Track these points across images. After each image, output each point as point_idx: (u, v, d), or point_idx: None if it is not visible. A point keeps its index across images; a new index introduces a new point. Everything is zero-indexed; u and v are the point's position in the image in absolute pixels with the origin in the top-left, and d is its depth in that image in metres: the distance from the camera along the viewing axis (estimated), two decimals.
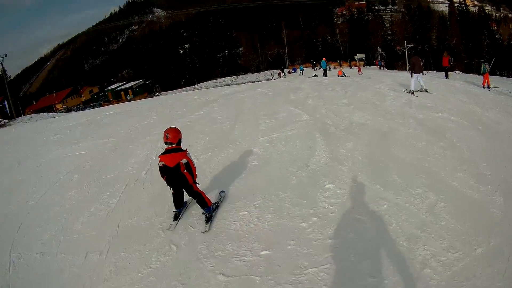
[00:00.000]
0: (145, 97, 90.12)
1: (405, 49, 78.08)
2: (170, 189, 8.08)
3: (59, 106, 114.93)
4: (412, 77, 20.79)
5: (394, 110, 16.56)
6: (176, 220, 8.11)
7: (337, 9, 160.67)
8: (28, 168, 14.26)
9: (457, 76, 44.32)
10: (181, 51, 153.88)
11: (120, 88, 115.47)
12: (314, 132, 13.52)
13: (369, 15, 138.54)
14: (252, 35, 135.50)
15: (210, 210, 7.92)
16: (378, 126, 13.91)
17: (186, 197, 8.38)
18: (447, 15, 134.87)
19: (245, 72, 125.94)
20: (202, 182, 9.26)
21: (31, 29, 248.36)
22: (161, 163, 7.63)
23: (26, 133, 25.33)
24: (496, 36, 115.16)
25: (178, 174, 7.61)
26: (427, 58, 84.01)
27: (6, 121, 56.63)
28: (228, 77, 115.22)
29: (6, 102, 78.94)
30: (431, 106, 17.13)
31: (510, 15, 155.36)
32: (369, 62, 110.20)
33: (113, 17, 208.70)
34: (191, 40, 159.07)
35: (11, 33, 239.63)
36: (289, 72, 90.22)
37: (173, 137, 7.62)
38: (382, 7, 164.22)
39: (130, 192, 10.23)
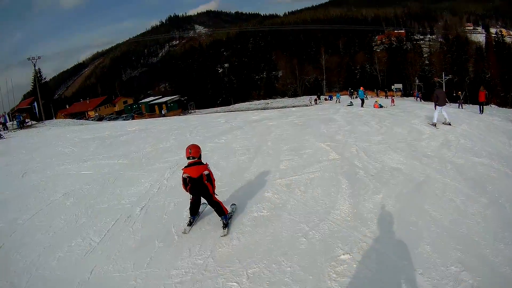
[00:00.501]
0: (179, 113, 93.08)
1: (442, 80, 75.57)
2: (190, 198, 8.66)
3: (91, 113, 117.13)
4: (435, 109, 21.06)
5: (431, 152, 15.01)
6: (190, 225, 8.75)
7: (376, 37, 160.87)
8: (30, 181, 14.01)
9: (493, 110, 43.82)
10: (220, 70, 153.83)
11: (154, 102, 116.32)
12: (339, 177, 11.76)
13: (407, 44, 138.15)
14: (291, 59, 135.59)
15: (226, 218, 8.53)
16: (413, 173, 12.17)
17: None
18: (483, 46, 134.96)
19: (282, 96, 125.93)
20: None
21: (71, 33, 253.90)
22: (185, 175, 8.20)
23: (46, 140, 26.46)
24: None
25: (201, 184, 8.18)
26: (464, 90, 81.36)
27: (34, 122, 57.27)
28: (264, 100, 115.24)
29: (35, 104, 79.18)
30: (470, 148, 15.71)
31: None
32: (406, 93, 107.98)
33: (154, 30, 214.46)
34: (230, 60, 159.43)
35: (51, 35, 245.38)
36: (325, 99, 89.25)
37: (195, 152, 8.34)
38: (420, 37, 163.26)
39: (117, 231, 9.13)
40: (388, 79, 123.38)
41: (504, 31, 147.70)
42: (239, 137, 19.97)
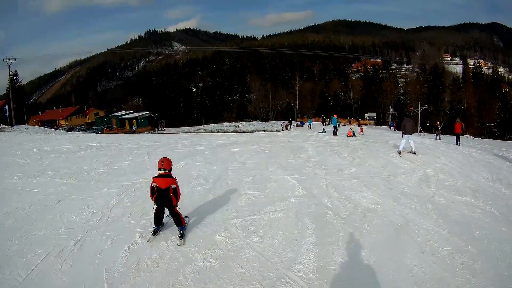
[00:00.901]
0: (149, 130, 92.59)
1: (418, 110, 74.40)
2: (153, 208, 9.03)
3: (62, 122, 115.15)
4: (403, 137, 21.49)
5: (409, 190, 13.63)
6: (154, 235, 9.07)
7: (352, 65, 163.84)
8: None
9: (470, 141, 43.55)
10: (194, 89, 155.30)
11: (125, 116, 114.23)
12: (305, 219, 10.33)
13: (383, 73, 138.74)
14: (265, 83, 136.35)
15: (183, 228, 9.08)
16: (390, 216, 10.83)
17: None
18: (460, 76, 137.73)
19: (254, 119, 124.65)
20: None
21: (51, 38, 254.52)
22: (154, 184, 8.62)
23: (7, 147, 25.92)
24: (509, 99, 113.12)
25: (167, 196, 8.61)
26: (441, 121, 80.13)
27: (3, 126, 55.27)
28: (235, 123, 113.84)
29: (7, 107, 77.50)
30: (452, 185, 14.51)
31: None
32: (379, 122, 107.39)
33: (133, 43, 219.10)
34: (204, 80, 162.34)
35: (31, 38, 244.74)
36: (297, 125, 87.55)
37: (167, 164, 8.92)
38: (397, 66, 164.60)
39: (46, 267, 7.80)
40: (362, 107, 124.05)
41: (482, 62, 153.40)
42: (199, 163, 18.44)
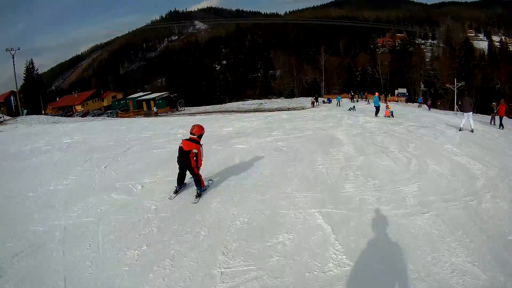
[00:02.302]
0: (167, 111, 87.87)
1: (454, 87, 68.16)
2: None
3: (78, 107, 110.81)
4: (463, 116, 21.20)
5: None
6: (175, 193, 9.99)
7: (377, 39, 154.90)
8: None
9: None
10: (218, 67, 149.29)
11: (142, 98, 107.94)
12: None
13: (412, 47, 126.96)
14: (290, 58, 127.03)
15: (201, 189, 9.80)
16: None
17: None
18: (486, 52, 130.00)
19: (278, 96, 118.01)
20: None
21: (72, 25, 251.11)
22: (180, 145, 9.62)
23: None
24: None
25: (187, 157, 9.46)
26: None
27: (6, 117, 54.63)
28: (259, 100, 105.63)
29: (12, 98, 73.91)
30: None
31: None
32: (409, 99, 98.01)
33: (153, 24, 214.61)
34: (228, 57, 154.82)
35: (51, 25, 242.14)
36: (323, 102, 79.05)
37: (197, 131, 9.80)
38: (422, 41, 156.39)
39: None
40: (390, 82, 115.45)
41: (506, 39, 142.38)
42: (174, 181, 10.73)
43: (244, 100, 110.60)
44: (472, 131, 20.11)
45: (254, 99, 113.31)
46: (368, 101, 68.58)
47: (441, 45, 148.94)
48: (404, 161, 13.10)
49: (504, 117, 26.65)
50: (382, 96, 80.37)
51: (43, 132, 29.34)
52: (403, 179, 11.01)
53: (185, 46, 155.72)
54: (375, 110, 33.89)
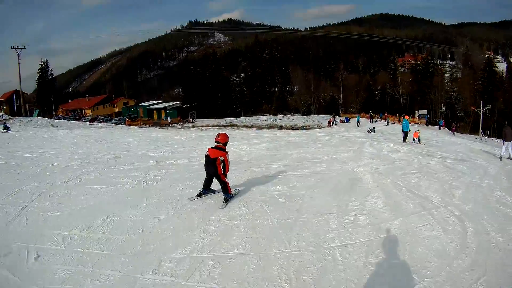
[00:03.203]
0: (177, 121, 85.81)
1: (480, 110, 64.26)
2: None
3: (88, 111, 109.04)
4: (503, 144, 21.87)
5: None
6: (198, 196, 10.50)
7: (397, 59, 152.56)
8: None
9: None
10: (236, 80, 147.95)
11: (153, 106, 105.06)
12: None
13: (433, 67, 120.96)
14: (308, 74, 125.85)
15: (228, 195, 10.07)
16: None
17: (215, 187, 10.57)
18: (504, 74, 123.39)
19: (295, 112, 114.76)
20: None
21: (92, 28, 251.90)
22: (207, 153, 9.99)
23: None
24: None
25: (213, 165, 9.78)
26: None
27: (7, 117, 55.49)
28: (274, 116, 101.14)
29: (15, 97, 71.74)
30: None
31: None
32: (430, 121, 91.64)
33: (174, 34, 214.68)
34: (246, 70, 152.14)
35: (72, 28, 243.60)
36: (340, 121, 74.57)
37: (222, 139, 10.11)
38: (440, 62, 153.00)
39: None
40: (411, 103, 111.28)
41: None
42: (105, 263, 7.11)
43: (259, 115, 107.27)
44: (511, 158, 21.07)
45: (270, 114, 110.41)
46: (387, 122, 65.44)
47: (460, 66, 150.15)
48: (457, 228, 8.91)
49: None
50: (394, 117, 76.16)
51: (19, 139, 28.04)
52: (461, 268, 6.88)
53: (203, 57, 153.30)
54: (403, 135, 29.89)
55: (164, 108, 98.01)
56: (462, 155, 22.47)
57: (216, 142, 10.04)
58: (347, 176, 14.14)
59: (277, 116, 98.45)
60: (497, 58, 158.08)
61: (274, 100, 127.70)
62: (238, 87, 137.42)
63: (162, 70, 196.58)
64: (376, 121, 70.24)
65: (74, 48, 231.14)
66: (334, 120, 68.92)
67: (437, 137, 41.29)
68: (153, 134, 34.09)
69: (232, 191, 10.39)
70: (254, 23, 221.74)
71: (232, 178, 12.71)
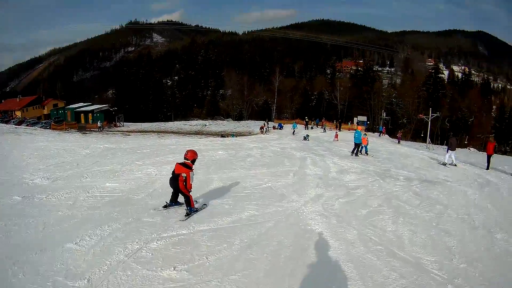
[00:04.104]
0: (104, 126, 75.79)
1: (429, 118, 59.80)
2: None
3: (18, 113, 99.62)
4: (447, 152, 23.14)
5: None
6: (164, 207, 10.24)
7: (335, 64, 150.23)
8: None
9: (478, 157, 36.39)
10: (169, 83, 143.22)
11: (81, 109, 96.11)
12: None
13: (373, 73, 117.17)
14: (242, 77, 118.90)
15: (191, 210, 9.88)
16: None
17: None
18: (446, 82, 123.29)
19: (226, 117, 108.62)
20: None
21: (34, 26, 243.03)
22: (174, 168, 9.89)
23: None
24: (505, 110, 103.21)
25: (176, 180, 9.66)
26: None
27: None
28: (203, 121, 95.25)
29: None
30: None
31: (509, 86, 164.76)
32: (369, 128, 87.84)
33: (113, 33, 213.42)
34: (180, 73, 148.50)
35: (14, 24, 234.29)
36: (273, 128, 67.65)
37: (190, 156, 9.99)
38: (379, 68, 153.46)
39: None
40: (349, 109, 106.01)
41: (466, 69, 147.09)
42: None
43: (189, 120, 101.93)
44: (455, 165, 22.52)
45: (200, 118, 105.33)
46: (324, 129, 61.58)
47: (399, 72, 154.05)
48: None
49: (492, 156, 23.76)
50: (331, 124, 71.90)
51: None
52: None
53: (137, 58, 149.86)
54: (353, 147, 25.35)
55: (92, 111, 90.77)
56: (424, 172, 19.26)
57: (185, 158, 9.99)
58: (291, 231, 9.06)
59: (207, 121, 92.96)
60: (438, 66, 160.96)
61: (206, 104, 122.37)
62: (170, 90, 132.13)
63: (98, 71, 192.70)
64: (312, 128, 67.06)
65: (16, 45, 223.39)
66: (267, 126, 64.00)
67: (381, 146, 37.52)
68: (56, 145, 27.24)
69: (197, 205, 10.41)
70: (193, 25, 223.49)
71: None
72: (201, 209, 10.27)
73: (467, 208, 12.03)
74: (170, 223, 9.41)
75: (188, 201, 9.73)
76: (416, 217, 10.64)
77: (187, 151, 10.01)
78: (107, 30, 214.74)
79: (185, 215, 9.60)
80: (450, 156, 22.82)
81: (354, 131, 27.48)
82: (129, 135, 53.07)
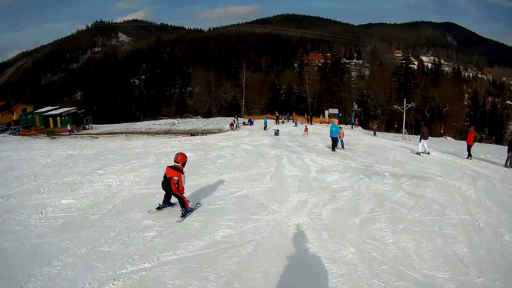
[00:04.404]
0: (72, 129, 70.82)
1: (403, 108, 58.91)
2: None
3: None
4: (420, 142, 23.79)
5: None
6: (158, 209, 10.13)
7: (304, 56, 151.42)
8: None
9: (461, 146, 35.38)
10: (137, 82, 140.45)
11: (49, 113, 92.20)
12: None
13: (343, 65, 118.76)
14: (209, 74, 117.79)
15: (186, 210, 9.79)
16: None
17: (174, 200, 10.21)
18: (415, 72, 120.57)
19: (195, 115, 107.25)
20: None
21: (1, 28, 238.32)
22: (165, 171, 9.80)
23: None
24: (478, 98, 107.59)
25: (168, 183, 9.56)
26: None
27: None
28: (172, 120, 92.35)
29: None
30: None
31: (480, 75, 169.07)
32: (342, 120, 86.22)
33: (79, 34, 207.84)
34: (147, 72, 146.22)
35: None
36: (244, 124, 65.51)
37: (181, 159, 9.82)
38: (347, 60, 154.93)
39: None
40: (319, 102, 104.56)
41: (436, 59, 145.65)
42: None
43: (158, 119, 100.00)
44: (428, 153, 23.11)
45: (169, 117, 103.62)
46: (296, 123, 60.37)
47: (367, 65, 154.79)
48: None
49: (472, 146, 23.45)
50: (302, 117, 71.56)
51: None
52: None
53: (103, 58, 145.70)
54: (331, 142, 24.29)
55: (60, 115, 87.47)
56: (409, 166, 18.01)
57: (175, 161, 9.78)
58: (277, 254, 7.34)
59: (175, 120, 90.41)
60: (408, 56, 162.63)
61: (174, 103, 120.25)
62: (138, 90, 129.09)
63: (66, 73, 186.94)
64: (283, 122, 66.49)
65: None
66: (237, 122, 60.62)
67: (357, 138, 37.44)
68: (19, 154, 24.63)
69: (191, 205, 10.26)
70: (158, 23, 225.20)
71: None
72: (195, 208, 10.27)
73: (466, 206, 10.89)
74: (130, 252, 7.42)
75: (182, 202, 9.74)
76: (415, 222, 9.37)
77: (177, 154, 9.99)
78: (73, 31, 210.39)
79: (181, 216, 9.62)
80: (423, 145, 23.48)
81: (331, 124, 25.51)
82: (97, 137, 50.41)
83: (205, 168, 16.46)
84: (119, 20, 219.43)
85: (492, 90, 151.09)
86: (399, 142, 35.48)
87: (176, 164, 9.69)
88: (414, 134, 61.34)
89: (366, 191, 12.32)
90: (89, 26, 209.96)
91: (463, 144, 33.66)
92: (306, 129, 43.14)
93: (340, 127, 25.34)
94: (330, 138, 24.29)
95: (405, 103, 56.95)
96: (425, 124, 45.73)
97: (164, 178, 9.68)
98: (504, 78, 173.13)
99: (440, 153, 24.09)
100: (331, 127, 24.30)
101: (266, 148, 24.53)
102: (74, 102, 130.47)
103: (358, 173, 15.37)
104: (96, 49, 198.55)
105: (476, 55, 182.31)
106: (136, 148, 25.96)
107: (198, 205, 10.61)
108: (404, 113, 57.41)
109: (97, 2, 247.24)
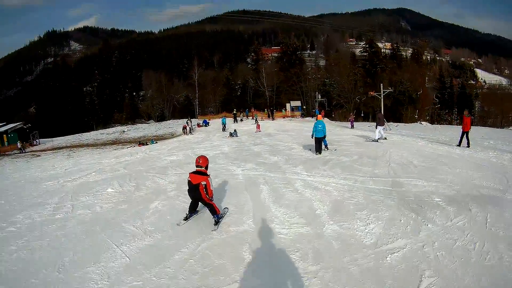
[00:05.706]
0: (16, 148, 63.59)
1: (380, 94, 54.16)
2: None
3: None
4: (376, 128, 23.49)
5: None
6: (185, 220, 9.38)
7: (259, 48, 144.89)
8: None
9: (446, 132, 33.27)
10: (90, 89, 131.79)
11: None
12: None
13: (302, 55, 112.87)
14: (160, 75, 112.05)
15: (218, 217, 9.07)
16: None
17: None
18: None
19: (147, 119, 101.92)
20: None
21: None
22: (188, 178, 8.94)
23: None
24: (445, 80, 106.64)
25: (196, 190, 8.79)
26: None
27: None
28: (122, 127, 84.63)
29: None
30: None
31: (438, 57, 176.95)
32: (306, 113, 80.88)
33: (31, 46, 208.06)
34: (97, 78, 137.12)
35: None
36: (198, 126, 57.05)
37: (203, 162, 9.04)
38: (299, 52, 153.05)
39: None
40: (277, 95, 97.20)
41: (389, 45, 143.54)
42: None
43: (108, 127, 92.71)
44: (385, 138, 22.96)
45: (121, 123, 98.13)
46: (256, 120, 52.14)
47: (321, 55, 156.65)
48: None
49: (468, 131, 20.04)
50: (262, 113, 64.94)
51: None
52: None
53: (59, 68, 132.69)
54: (314, 144, 18.00)
55: (6, 132, 77.12)
56: (447, 176, 11.29)
57: (197, 166, 9.00)
58: None
59: (125, 127, 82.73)
60: (360, 44, 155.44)
61: (125, 108, 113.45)
62: (88, 98, 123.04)
63: (20, 86, 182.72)
64: (242, 120, 60.13)
65: None
66: (191, 125, 52.76)
67: (334, 134, 28.99)
68: None
69: (221, 211, 9.57)
70: (109, 28, 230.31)
71: None
72: (225, 214, 9.33)
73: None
74: None
75: (213, 209, 8.99)
76: None
77: (199, 158, 9.07)
78: (26, 43, 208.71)
79: (214, 224, 8.91)
80: (379, 131, 23.35)
81: (315, 121, 18.40)
82: (39, 156, 43.66)
83: (124, 225, 8.90)
84: (70, 28, 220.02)
85: (453, 71, 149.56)
86: (394, 136, 26.63)
87: (200, 168, 8.89)
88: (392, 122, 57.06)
89: (448, 254, 6.24)
90: (41, 36, 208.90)
91: (448, 129, 34.46)
92: (258, 126, 40.79)
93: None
94: (314, 139, 17.69)
95: (382, 88, 51.82)
96: (380, 110, 45.41)
97: (189, 185, 8.84)
98: (462, 59, 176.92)
99: (440, 145, 19.33)
100: (315, 125, 17.45)
101: (228, 163, 16.86)
102: (30, 116, 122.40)
103: (398, 207, 8.56)
104: (49, 60, 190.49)
105: (432, 38, 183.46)
106: (57, 176, 17.27)
107: (226, 209, 9.89)
108: (382, 99, 52.78)
109: (48, 11, 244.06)
